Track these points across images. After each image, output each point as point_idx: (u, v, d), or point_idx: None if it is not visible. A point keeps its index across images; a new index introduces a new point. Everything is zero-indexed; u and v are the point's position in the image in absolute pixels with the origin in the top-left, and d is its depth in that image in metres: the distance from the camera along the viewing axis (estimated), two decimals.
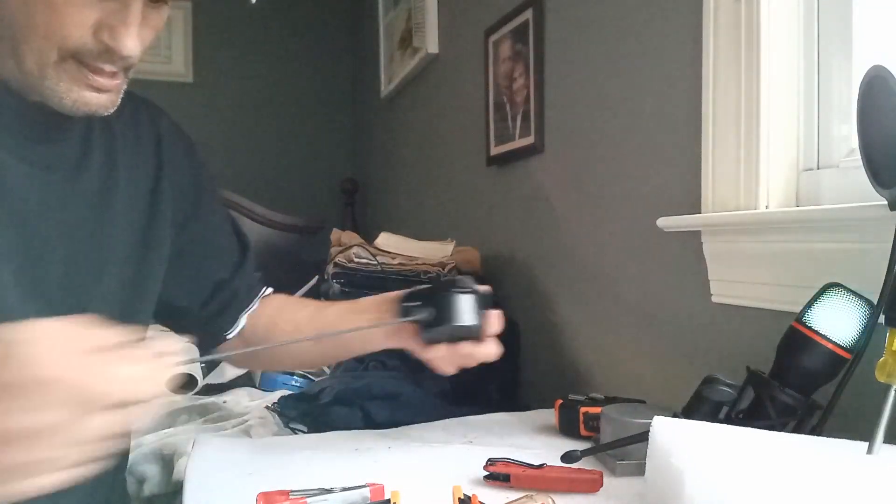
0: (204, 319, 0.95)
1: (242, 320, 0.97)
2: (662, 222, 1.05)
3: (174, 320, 0.94)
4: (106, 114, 0.71)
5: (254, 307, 0.98)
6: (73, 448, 0.47)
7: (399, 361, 1.32)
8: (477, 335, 0.79)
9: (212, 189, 0.95)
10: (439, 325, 0.78)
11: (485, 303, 0.80)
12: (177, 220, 0.88)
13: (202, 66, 3.14)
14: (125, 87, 0.72)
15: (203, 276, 0.93)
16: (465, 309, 0.78)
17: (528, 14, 1.49)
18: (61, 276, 0.75)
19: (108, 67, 0.67)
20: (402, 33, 2.42)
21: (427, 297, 0.80)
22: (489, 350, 0.81)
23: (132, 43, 0.66)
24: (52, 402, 0.46)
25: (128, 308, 0.82)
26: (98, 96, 0.69)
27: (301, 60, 3.28)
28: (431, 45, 2.10)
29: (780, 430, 0.71)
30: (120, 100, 0.72)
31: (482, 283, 1.70)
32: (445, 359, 0.81)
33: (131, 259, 0.82)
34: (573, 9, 1.36)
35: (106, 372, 0.48)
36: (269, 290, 1.01)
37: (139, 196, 0.84)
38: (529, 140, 1.50)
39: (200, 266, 0.93)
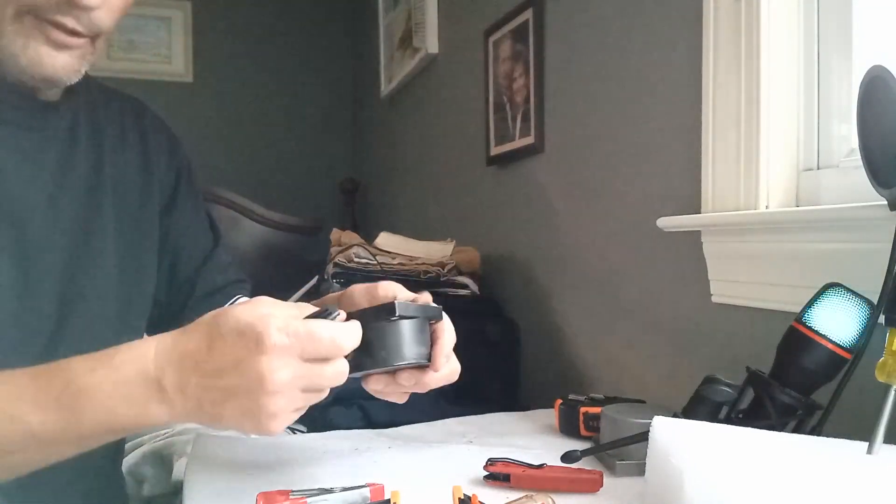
0: (171, 312, 0.93)
1: None
2: (662, 222, 1.05)
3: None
4: (67, 81, 0.69)
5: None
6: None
7: None
8: (424, 364, 0.66)
9: (190, 182, 0.94)
10: (368, 362, 0.63)
11: (430, 318, 0.65)
12: (161, 211, 0.89)
13: (202, 66, 3.14)
14: (91, 58, 0.70)
15: (175, 268, 0.92)
16: (400, 341, 0.62)
17: (528, 14, 1.49)
18: (57, 268, 0.75)
19: (70, 23, 0.65)
20: (402, 33, 2.42)
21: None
22: (441, 376, 0.68)
23: None
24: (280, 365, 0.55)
25: (125, 299, 0.82)
26: (56, 55, 0.66)
27: (301, 60, 3.28)
28: (431, 45, 2.10)
29: (780, 430, 0.71)
30: (84, 70, 0.70)
31: (481, 281, 1.70)
32: (387, 392, 0.70)
33: (125, 251, 0.82)
34: (573, 9, 1.36)
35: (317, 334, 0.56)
36: (243, 298, 0.94)
37: (128, 190, 0.84)
38: (529, 140, 1.50)
39: (174, 258, 0.92)
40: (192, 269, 0.93)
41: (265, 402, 0.55)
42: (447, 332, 0.68)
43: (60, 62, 0.67)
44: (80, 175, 0.78)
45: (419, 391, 0.69)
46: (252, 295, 0.97)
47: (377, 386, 0.69)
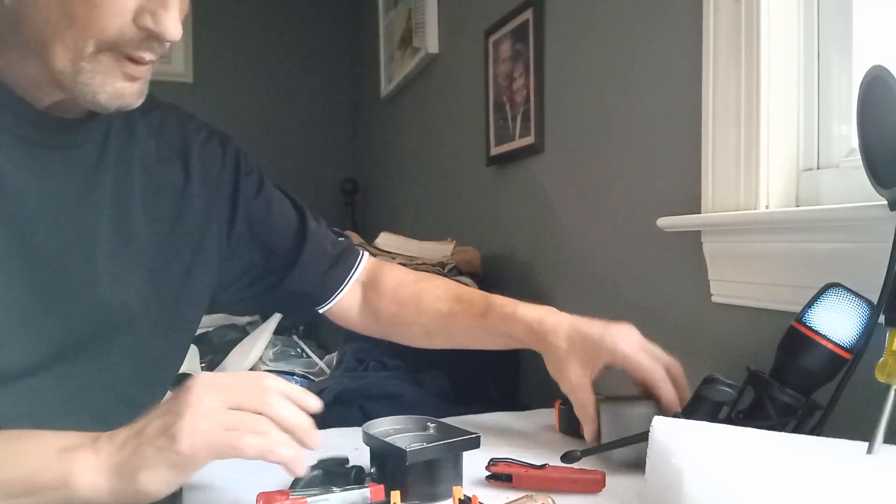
0: (290, 293, 0.94)
1: (347, 287, 0.97)
2: (662, 222, 1.05)
3: (264, 301, 0.97)
4: (136, 105, 0.70)
5: (355, 272, 0.98)
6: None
7: (399, 361, 1.33)
8: None
9: (251, 175, 0.92)
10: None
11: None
12: (221, 221, 0.87)
13: (202, 66, 3.14)
14: (150, 76, 0.71)
15: (270, 258, 0.92)
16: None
17: (528, 14, 1.49)
18: (80, 287, 0.74)
19: (148, 56, 0.66)
20: (402, 33, 2.42)
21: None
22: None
23: (174, 26, 0.65)
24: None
25: (162, 318, 0.81)
26: (130, 86, 0.68)
27: (301, 60, 3.28)
28: (431, 45, 2.10)
29: (780, 430, 0.71)
30: (146, 93, 0.71)
31: (481, 281, 1.70)
32: None
33: (159, 267, 0.81)
34: (573, 9, 1.36)
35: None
36: (365, 254, 1.01)
37: (162, 203, 0.82)
38: (529, 140, 1.50)
39: (267, 252, 0.92)
40: (290, 254, 0.93)
41: (184, 413, 0.57)
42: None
43: (135, 91, 0.69)
44: (107, 192, 0.76)
45: None
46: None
47: None
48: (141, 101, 0.70)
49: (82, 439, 0.59)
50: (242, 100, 3.19)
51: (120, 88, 0.67)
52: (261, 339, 1.82)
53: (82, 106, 0.71)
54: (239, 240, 0.90)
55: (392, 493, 0.66)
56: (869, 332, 0.69)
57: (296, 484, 0.70)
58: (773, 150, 0.90)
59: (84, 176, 0.75)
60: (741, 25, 0.92)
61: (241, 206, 0.90)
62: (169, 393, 0.60)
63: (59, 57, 0.64)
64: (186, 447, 0.56)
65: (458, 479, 0.73)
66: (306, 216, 0.96)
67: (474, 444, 0.73)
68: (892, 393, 0.59)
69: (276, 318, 1.87)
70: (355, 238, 1.74)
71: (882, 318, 0.64)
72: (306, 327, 2.05)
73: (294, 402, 0.61)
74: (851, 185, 0.82)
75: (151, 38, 0.65)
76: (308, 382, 1.53)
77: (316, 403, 0.63)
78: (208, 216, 0.86)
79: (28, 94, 0.69)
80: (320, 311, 0.99)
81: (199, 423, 0.56)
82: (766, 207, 0.90)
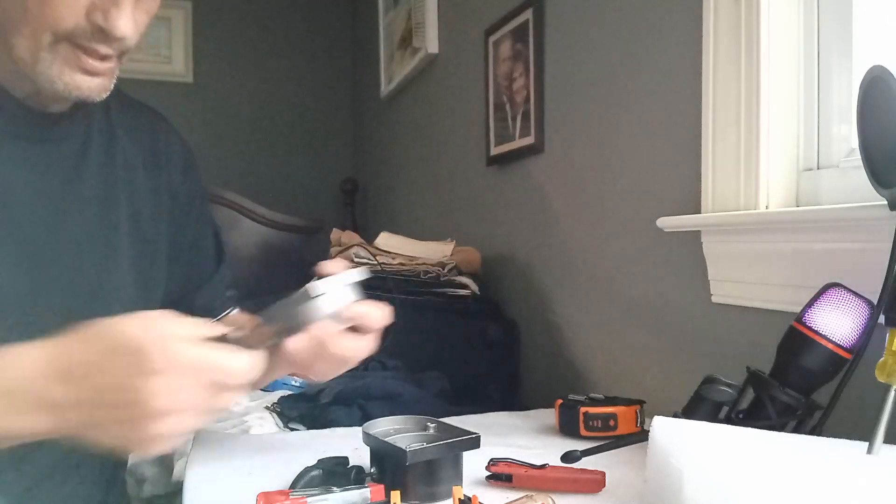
0: None
1: None
2: (662, 222, 1.05)
3: None
4: (98, 99, 0.71)
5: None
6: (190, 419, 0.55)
7: (399, 361, 1.33)
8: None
9: (202, 199, 0.94)
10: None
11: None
12: (171, 224, 0.88)
13: (202, 66, 3.14)
14: (117, 72, 0.72)
15: (174, 282, 0.90)
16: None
17: (528, 14, 1.49)
18: (67, 282, 0.74)
19: (102, 49, 0.68)
20: (402, 33, 2.42)
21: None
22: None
23: (124, 24, 0.66)
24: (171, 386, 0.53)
25: (138, 308, 0.82)
26: (90, 80, 0.69)
27: (301, 60, 3.28)
28: (431, 45, 2.10)
29: (780, 430, 0.71)
30: (113, 86, 0.72)
31: (480, 281, 1.70)
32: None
33: (140, 263, 0.82)
34: (573, 9, 1.36)
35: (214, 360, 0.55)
36: (235, 310, 0.96)
37: (140, 198, 0.83)
38: (529, 140, 1.50)
39: (174, 272, 0.90)
40: (192, 288, 0.92)
41: (144, 426, 0.53)
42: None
43: (95, 85, 0.70)
44: (91, 186, 0.78)
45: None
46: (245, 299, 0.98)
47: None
48: (104, 95, 0.71)
49: (31, 404, 0.55)
50: (242, 100, 3.19)
51: (77, 80, 0.68)
52: None
53: (55, 98, 0.72)
54: (177, 248, 0.89)
55: (392, 493, 0.66)
56: (869, 332, 0.69)
57: (296, 484, 0.70)
58: (773, 150, 0.90)
59: (67, 170, 0.76)
60: (741, 26, 0.92)
61: (192, 218, 0.91)
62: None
63: (18, 45, 0.66)
64: (158, 451, 0.56)
65: (458, 479, 0.73)
66: (221, 270, 0.95)
67: (474, 444, 0.73)
68: (892, 393, 0.59)
69: None
70: (355, 238, 1.74)
71: (882, 318, 0.64)
72: None
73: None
74: (851, 185, 0.82)
75: (104, 33, 0.66)
76: (308, 382, 1.53)
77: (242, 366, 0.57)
78: (167, 219, 0.87)
79: (8, 84, 0.70)
80: None
81: (165, 432, 0.54)
82: (766, 207, 0.90)
